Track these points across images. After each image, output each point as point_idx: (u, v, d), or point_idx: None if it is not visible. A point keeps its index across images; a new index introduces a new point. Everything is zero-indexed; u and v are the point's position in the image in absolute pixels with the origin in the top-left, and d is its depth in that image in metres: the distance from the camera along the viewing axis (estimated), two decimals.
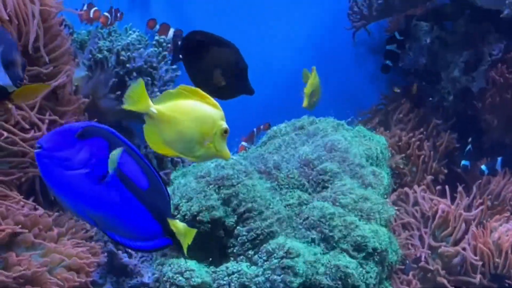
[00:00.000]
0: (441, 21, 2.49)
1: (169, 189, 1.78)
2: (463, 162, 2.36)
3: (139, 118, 2.14)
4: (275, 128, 2.09)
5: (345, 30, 2.62)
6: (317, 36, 2.65)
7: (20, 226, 1.51)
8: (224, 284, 1.61)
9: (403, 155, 2.36)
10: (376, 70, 2.69)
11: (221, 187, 1.76)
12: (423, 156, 2.37)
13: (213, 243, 1.72)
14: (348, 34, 2.65)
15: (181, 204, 1.73)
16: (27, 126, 1.63)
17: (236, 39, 2.49)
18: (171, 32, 2.35)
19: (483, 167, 2.34)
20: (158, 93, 2.04)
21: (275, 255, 1.60)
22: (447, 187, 2.21)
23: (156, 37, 2.12)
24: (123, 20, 2.28)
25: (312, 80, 2.15)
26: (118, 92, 1.99)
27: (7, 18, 1.62)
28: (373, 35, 2.72)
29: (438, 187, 2.31)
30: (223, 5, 2.55)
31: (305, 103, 2.11)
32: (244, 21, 2.57)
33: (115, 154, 1.07)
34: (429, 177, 2.27)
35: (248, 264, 1.64)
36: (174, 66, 2.11)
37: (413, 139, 2.41)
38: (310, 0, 2.63)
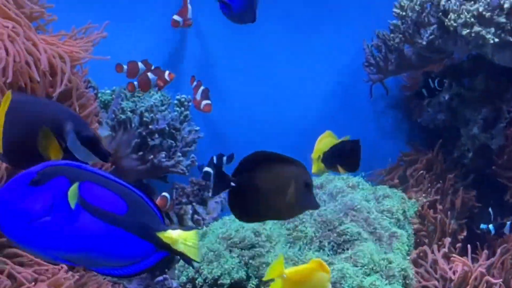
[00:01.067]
0: (459, 78, 2.50)
1: None
2: (481, 225, 2.35)
3: (160, 177, 2.19)
4: None
5: (362, 83, 2.64)
6: (333, 90, 2.67)
7: None
8: None
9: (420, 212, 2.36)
10: (394, 126, 2.71)
11: (243, 249, 1.77)
12: (440, 216, 2.36)
13: None
14: (365, 88, 2.67)
15: (202, 267, 1.74)
16: None
17: (254, 93, 2.55)
18: (140, 65, 2.31)
19: (490, 226, 2.33)
20: (179, 154, 2.07)
21: None
22: (469, 246, 2.20)
23: (178, 96, 2.15)
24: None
25: (320, 144, 2.10)
26: (140, 153, 2.02)
27: (38, 79, 1.65)
28: (390, 90, 2.75)
29: (458, 245, 2.30)
30: (244, 60, 2.58)
31: (314, 168, 2.08)
32: (261, 75, 2.60)
33: (74, 188, 1.03)
34: (447, 239, 2.26)
35: None
36: (197, 128, 2.15)
37: (430, 198, 2.40)
38: (325, 52, 2.65)
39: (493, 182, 2.48)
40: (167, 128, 2.03)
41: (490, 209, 2.39)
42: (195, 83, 2.27)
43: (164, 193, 2.05)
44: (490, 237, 2.38)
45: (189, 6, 2.35)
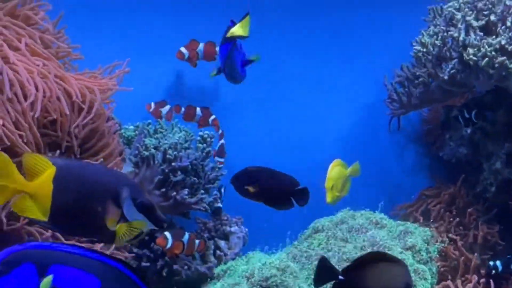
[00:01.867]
0: (481, 111, 2.49)
1: None
2: (489, 262, 2.33)
3: (182, 213, 2.20)
4: (318, 222, 2.10)
5: (383, 118, 2.64)
6: (355, 124, 2.67)
7: None
8: None
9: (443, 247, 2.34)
10: (415, 160, 2.70)
11: None
12: (462, 251, 2.34)
13: None
14: (387, 122, 2.67)
15: None
16: None
17: (276, 127, 2.55)
18: (166, 108, 2.39)
19: (498, 263, 2.30)
20: (202, 191, 2.07)
21: None
22: (491, 281, 2.18)
23: (201, 133, 2.16)
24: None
25: (332, 173, 2.09)
26: (163, 189, 2.03)
27: (67, 112, 1.68)
28: (412, 124, 2.75)
29: (482, 280, 2.28)
30: (267, 94, 2.60)
31: (328, 198, 2.07)
32: (282, 108, 2.61)
33: (46, 282, 1.01)
34: (474, 277, 2.24)
35: None
36: (221, 165, 2.16)
37: (453, 233, 2.39)
38: (347, 86, 2.66)
39: None
40: (190, 166, 2.04)
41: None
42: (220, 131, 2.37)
43: (166, 233, 2.03)
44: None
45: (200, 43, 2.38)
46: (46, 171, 1.16)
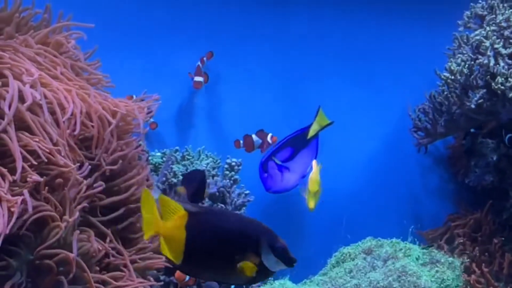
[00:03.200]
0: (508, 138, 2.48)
1: None
2: None
3: None
4: (343, 251, 2.10)
5: (409, 143, 2.63)
6: (381, 153, 2.67)
7: None
8: None
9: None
10: (441, 186, 2.70)
11: None
12: (487, 280, 2.32)
13: None
14: (412, 148, 2.66)
15: None
16: None
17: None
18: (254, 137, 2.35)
19: None
20: None
21: None
22: None
23: (228, 160, 2.17)
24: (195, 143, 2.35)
25: (317, 176, 2.04)
26: None
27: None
28: (437, 150, 2.74)
29: None
30: (291, 119, 2.61)
31: (311, 204, 2.02)
32: None
33: None
34: None
35: None
36: (247, 191, 2.16)
37: (478, 260, 2.37)
38: (372, 110, 2.68)
39: None
40: (217, 192, 2.05)
41: None
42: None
43: None
44: None
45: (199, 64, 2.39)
46: (178, 215, 1.23)
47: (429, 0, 2.71)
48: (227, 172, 2.13)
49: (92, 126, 1.66)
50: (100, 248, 1.54)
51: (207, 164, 2.08)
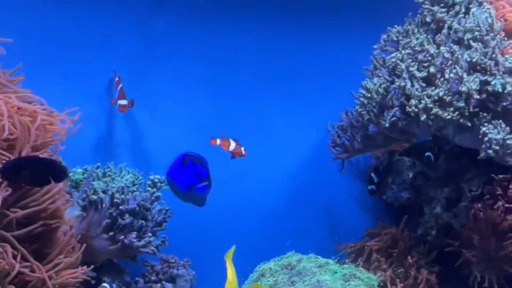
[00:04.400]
0: (423, 157, 2.58)
1: None
2: None
3: (129, 257, 2.20)
4: (263, 266, 2.14)
5: (331, 162, 2.70)
6: (302, 168, 2.73)
7: None
8: None
9: None
10: (361, 202, 2.77)
11: None
12: None
13: None
14: (333, 164, 2.73)
15: None
16: None
17: (223, 172, 2.58)
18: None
19: None
20: (150, 234, 2.09)
21: None
22: None
23: (151, 177, 2.18)
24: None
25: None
26: (111, 233, 2.04)
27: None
28: (358, 165, 2.83)
29: None
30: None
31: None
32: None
33: None
34: None
35: None
36: (167, 207, 2.17)
37: (394, 274, 2.45)
38: (295, 130, 2.74)
39: (456, 259, 2.55)
40: (137, 208, 2.06)
41: None
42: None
43: (104, 284, 2.04)
44: None
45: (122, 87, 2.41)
46: None
47: (355, 22, 2.81)
48: (149, 189, 2.14)
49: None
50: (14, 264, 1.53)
51: (127, 180, 2.09)
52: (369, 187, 2.63)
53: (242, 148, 2.29)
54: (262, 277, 2.12)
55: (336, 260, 2.27)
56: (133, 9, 2.56)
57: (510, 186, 2.49)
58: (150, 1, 2.60)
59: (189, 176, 1.86)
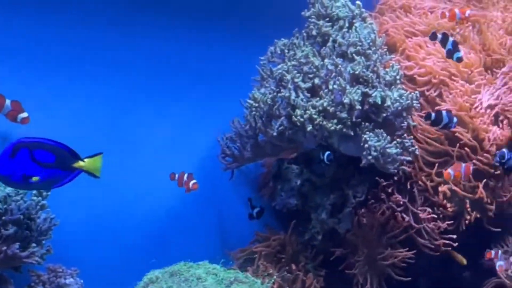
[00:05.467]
0: (310, 164, 2.67)
1: None
2: None
3: (13, 268, 2.16)
4: (150, 275, 2.15)
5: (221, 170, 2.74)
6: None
7: None
8: None
9: None
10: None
11: None
12: None
13: None
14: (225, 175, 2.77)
15: None
16: None
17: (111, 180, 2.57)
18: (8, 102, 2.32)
19: None
20: (34, 244, 2.06)
21: None
22: None
23: None
24: None
25: None
26: None
27: None
28: (250, 173, 2.89)
29: None
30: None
31: None
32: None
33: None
34: None
35: None
36: (53, 215, 2.15)
37: (282, 279, 2.52)
38: (185, 142, 2.76)
39: (341, 262, 2.66)
40: (21, 218, 2.03)
41: None
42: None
43: None
44: None
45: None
46: None
47: (254, 32, 2.87)
48: (35, 198, 2.11)
49: None
50: None
51: (9, 189, 2.05)
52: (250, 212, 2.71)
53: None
54: (151, 284, 2.13)
55: (223, 266, 2.30)
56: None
57: (394, 192, 2.62)
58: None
59: (21, 165, 1.83)
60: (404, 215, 2.60)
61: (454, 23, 2.82)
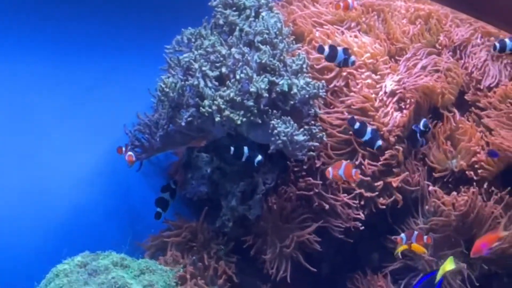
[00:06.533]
0: (220, 152, 2.69)
1: None
2: None
3: None
4: (58, 268, 2.13)
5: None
6: (102, 168, 2.73)
7: None
8: None
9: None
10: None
11: None
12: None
13: None
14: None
15: None
16: None
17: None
18: None
19: None
20: None
21: None
22: None
23: None
24: None
25: None
26: None
27: None
28: (161, 162, 2.88)
29: None
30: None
31: None
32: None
33: None
34: None
35: None
36: None
37: (193, 267, 2.55)
38: (94, 133, 2.74)
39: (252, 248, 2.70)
40: None
41: None
42: None
43: None
44: None
45: None
46: None
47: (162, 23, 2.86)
48: None
49: None
50: None
51: None
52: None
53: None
54: (56, 278, 2.10)
55: (131, 256, 2.30)
56: None
57: (303, 176, 2.67)
58: None
59: None
60: (315, 198, 2.66)
61: (360, 12, 2.90)
